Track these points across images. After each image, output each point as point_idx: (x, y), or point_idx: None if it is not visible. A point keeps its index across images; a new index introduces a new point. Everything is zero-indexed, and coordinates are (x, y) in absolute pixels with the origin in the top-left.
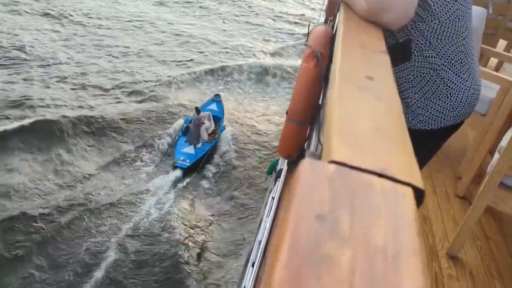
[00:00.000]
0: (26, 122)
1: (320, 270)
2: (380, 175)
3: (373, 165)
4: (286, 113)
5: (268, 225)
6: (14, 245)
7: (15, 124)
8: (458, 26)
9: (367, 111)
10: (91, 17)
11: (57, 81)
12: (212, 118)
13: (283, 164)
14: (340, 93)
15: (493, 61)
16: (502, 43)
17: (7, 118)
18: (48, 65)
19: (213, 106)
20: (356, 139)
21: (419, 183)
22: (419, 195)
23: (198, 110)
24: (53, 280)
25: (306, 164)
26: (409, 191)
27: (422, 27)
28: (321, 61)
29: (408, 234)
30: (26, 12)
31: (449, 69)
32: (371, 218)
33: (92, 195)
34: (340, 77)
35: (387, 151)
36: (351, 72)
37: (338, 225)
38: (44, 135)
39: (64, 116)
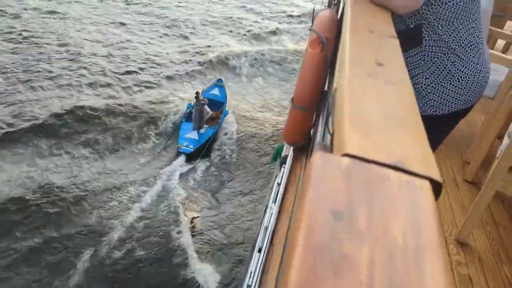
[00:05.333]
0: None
1: (338, 269)
2: (396, 168)
3: (388, 157)
4: (292, 99)
5: (274, 211)
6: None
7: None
8: (469, 8)
9: (379, 99)
10: None
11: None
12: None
13: (288, 150)
14: (351, 81)
15: (501, 43)
16: (510, 25)
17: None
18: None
19: (216, 91)
20: (369, 130)
21: (437, 176)
22: (436, 188)
23: (198, 95)
24: (59, 250)
25: (318, 158)
26: (426, 184)
27: (436, 10)
28: (327, 47)
29: (428, 229)
30: None
31: (460, 52)
32: (389, 214)
33: (93, 181)
34: (350, 64)
35: (402, 142)
36: (360, 59)
37: (355, 222)
38: (49, 126)
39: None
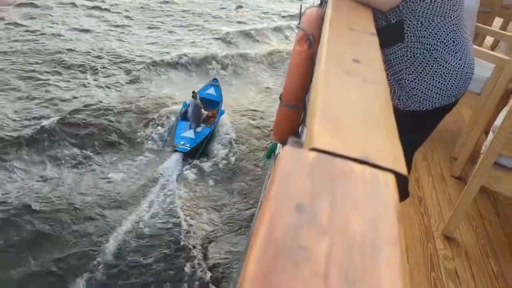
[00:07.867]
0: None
1: (296, 262)
2: (362, 162)
3: (355, 151)
4: (279, 97)
5: None
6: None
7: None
8: (449, 5)
9: (352, 96)
10: None
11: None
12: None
13: (281, 148)
14: (326, 78)
15: (489, 40)
16: (498, 21)
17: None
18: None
19: (211, 90)
20: (340, 125)
21: (402, 169)
22: (402, 182)
23: (195, 94)
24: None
25: (287, 152)
26: (391, 178)
27: (414, 7)
28: (314, 44)
29: (387, 223)
30: None
31: (442, 48)
32: (350, 207)
33: (88, 185)
34: (326, 61)
35: (371, 137)
36: (337, 55)
37: (317, 216)
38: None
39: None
